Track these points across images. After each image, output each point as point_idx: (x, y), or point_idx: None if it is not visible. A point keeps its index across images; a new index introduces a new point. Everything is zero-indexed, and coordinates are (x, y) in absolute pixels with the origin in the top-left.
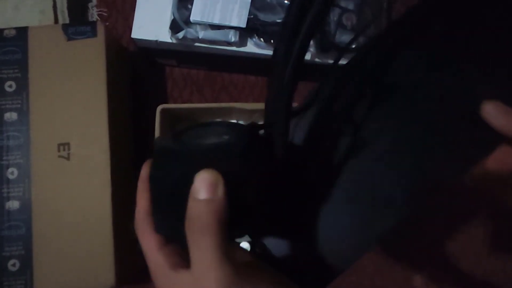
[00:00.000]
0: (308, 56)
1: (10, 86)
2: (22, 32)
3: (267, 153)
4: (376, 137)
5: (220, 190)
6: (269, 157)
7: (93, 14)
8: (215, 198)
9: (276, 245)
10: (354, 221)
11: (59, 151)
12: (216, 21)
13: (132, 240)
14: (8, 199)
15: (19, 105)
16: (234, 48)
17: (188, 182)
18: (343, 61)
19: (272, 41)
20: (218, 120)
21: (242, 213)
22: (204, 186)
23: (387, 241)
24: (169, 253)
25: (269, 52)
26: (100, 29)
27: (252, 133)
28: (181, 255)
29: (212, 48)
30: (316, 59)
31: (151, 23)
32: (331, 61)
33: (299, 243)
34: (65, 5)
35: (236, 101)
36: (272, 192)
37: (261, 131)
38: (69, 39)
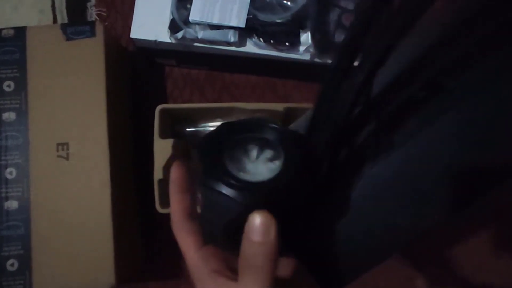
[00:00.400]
0: (307, 56)
1: (9, 86)
2: (21, 32)
3: (313, 174)
4: (412, 136)
5: (272, 233)
6: (314, 176)
7: (92, 13)
8: (267, 240)
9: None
10: (380, 220)
11: (58, 151)
12: (215, 21)
13: (132, 240)
14: (7, 199)
15: (17, 105)
16: (233, 48)
17: (240, 214)
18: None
19: (271, 41)
20: (264, 119)
21: (290, 235)
22: (257, 229)
23: None
24: (207, 255)
25: (269, 52)
26: (99, 29)
27: (304, 163)
28: (219, 257)
29: (212, 48)
30: (316, 59)
31: (150, 23)
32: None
33: (321, 242)
34: (64, 4)
35: (237, 101)
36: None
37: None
38: (68, 39)
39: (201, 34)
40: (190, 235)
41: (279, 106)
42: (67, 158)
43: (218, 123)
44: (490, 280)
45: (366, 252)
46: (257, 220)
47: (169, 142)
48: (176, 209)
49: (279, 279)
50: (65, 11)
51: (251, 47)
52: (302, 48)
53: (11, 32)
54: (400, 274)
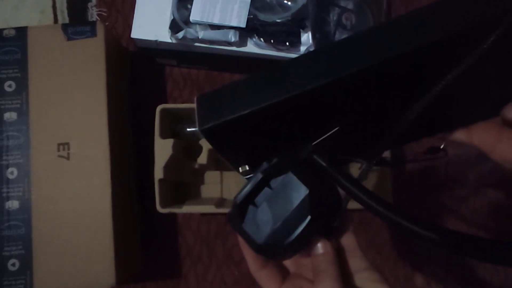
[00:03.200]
0: None
1: (10, 86)
2: (22, 32)
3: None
4: None
5: (329, 246)
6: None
7: (93, 14)
8: (327, 251)
9: None
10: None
11: (58, 150)
12: (215, 21)
13: (132, 240)
14: (8, 199)
15: (18, 105)
16: (234, 48)
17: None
18: None
19: (272, 41)
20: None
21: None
22: (321, 246)
23: (390, 240)
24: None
25: (269, 52)
26: (100, 29)
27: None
28: None
29: (212, 48)
30: None
31: (151, 23)
32: None
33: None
34: (65, 5)
35: None
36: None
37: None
38: (69, 39)
39: (201, 34)
40: (269, 280)
41: None
42: (68, 158)
43: None
44: (490, 280)
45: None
46: (319, 243)
47: (169, 142)
48: (252, 261)
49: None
50: (66, 11)
51: (252, 47)
52: (302, 48)
53: (12, 32)
54: (399, 272)
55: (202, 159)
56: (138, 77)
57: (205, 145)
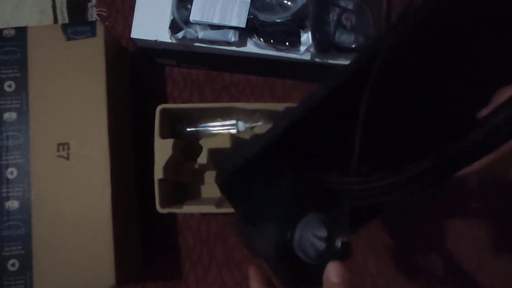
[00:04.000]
0: (307, 56)
1: (10, 86)
2: (22, 32)
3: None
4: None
5: (346, 275)
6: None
7: (93, 14)
8: (344, 279)
9: None
10: None
11: (58, 151)
12: (215, 21)
13: (132, 240)
14: (8, 198)
15: (18, 105)
16: (233, 48)
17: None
18: None
19: (271, 41)
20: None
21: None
22: (335, 274)
23: (391, 242)
24: None
25: (269, 52)
26: (100, 29)
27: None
28: None
29: (212, 48)
30: (316, 59)
31: (151, 23)
32: (330, 61)
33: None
34: (65, 5)
35: (237, 101)
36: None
37: None
38: (69, 39)
39: (201, 34)
40: None
41: (279, 106)
42: (67, 158)
43: (218, 123)
44: (490, 280)
45: None
46: (334, 266)
47: (169, 142)
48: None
49: None
50: (65, 11)
51: (251, 47)
52: (302, 48)
53: (12, 32)
54: (400, 275)
55: (202, 159)
56: (138, 77)
57: (205, 145)
